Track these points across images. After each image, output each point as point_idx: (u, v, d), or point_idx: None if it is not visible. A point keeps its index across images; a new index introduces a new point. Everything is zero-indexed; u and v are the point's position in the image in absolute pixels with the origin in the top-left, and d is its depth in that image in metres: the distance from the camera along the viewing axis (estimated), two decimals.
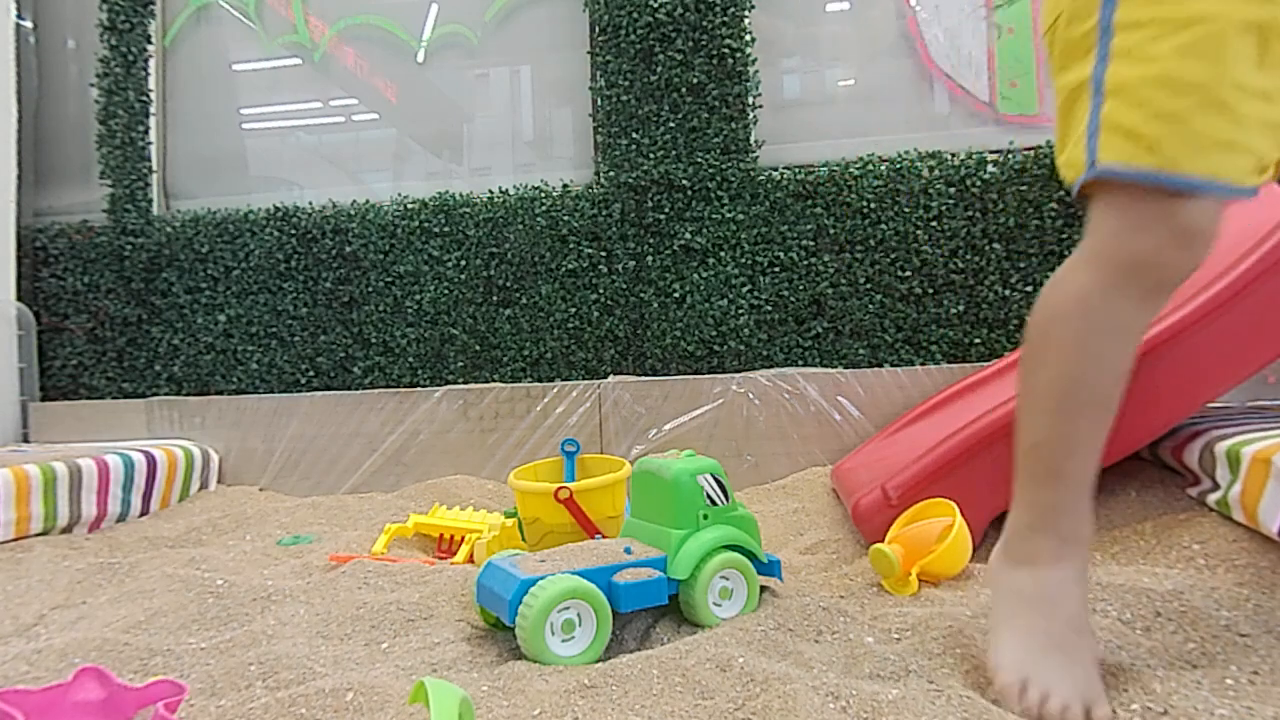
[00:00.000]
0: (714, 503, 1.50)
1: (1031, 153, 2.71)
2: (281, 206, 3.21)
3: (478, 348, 3.07)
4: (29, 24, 3.57)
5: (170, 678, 1.25)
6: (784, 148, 3.02)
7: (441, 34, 3.39)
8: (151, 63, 3.44)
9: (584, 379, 2.97)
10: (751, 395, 2.74)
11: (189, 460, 2.79)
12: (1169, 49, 0.94)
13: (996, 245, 2.73)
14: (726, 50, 2.89)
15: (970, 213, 2.75)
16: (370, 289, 3.14)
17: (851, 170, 2.81)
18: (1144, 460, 1.97)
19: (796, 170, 2.88)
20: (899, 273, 2.78)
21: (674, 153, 2.91)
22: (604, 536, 1.73)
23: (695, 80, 2.90)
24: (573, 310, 2.99)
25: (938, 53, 2.97)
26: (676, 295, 2.91)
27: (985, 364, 2.58)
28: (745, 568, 1.47)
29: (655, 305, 2.93)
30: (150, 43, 3.44)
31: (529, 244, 3.02)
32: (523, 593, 1.32)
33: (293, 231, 3.19)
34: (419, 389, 2.97)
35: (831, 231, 2.83)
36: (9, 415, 3.19)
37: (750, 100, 2.92)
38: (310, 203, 3.23)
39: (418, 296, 3.10)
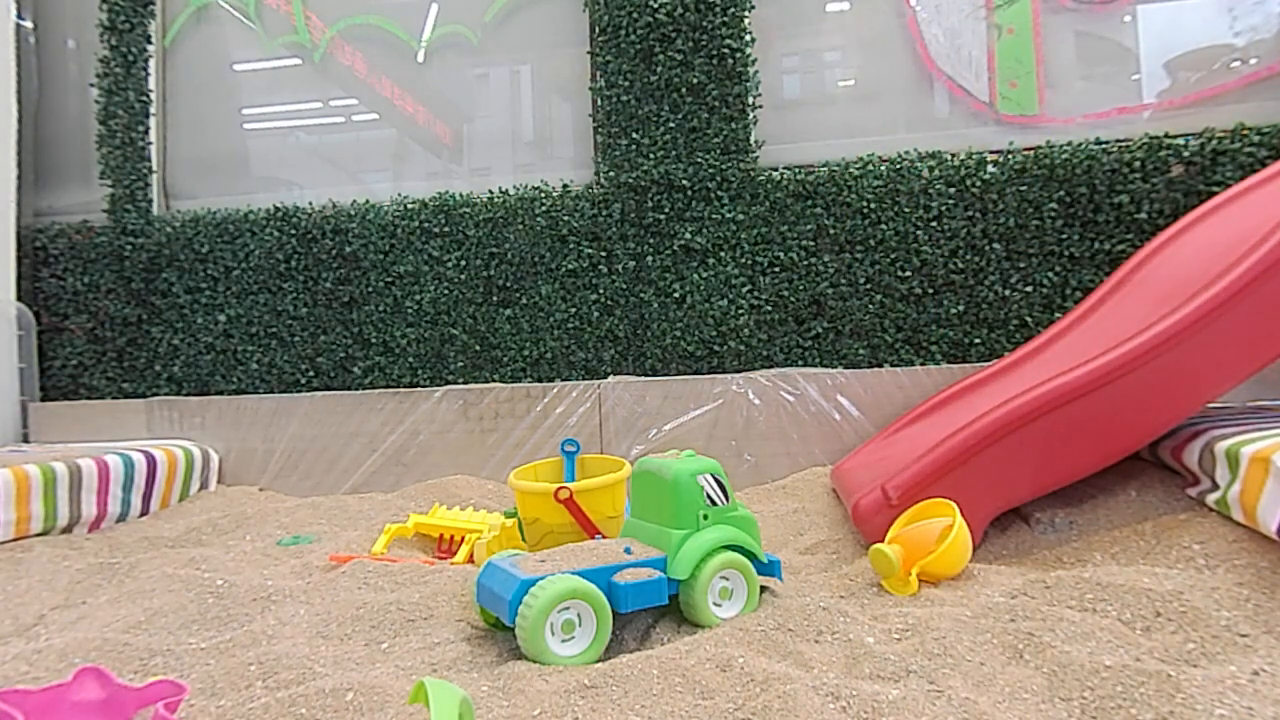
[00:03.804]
0: (714, 503, 1.50)
1: (1031, 153, 2.71)
2: (281, 206, 3.21)
3: (478, 348, 3.07)
4: (29, 24, 3.57)
5: (170, 678, 1.26)
6: (784, 148, 3.02)
7: (441, 34, 3.38)
8: (151, 63, 3.44)
9: (584, 379, 2.97)
10: (751, 395, 2.74)
11: (189, 460, 2.79)
12: None
13: (996, 245, 2.73)
14: (726, 50, 2.89)
15: (970, 213, 2.75)
16: (370, 289, 3.14)
17: (851, 170, 2.81)
18: (1144, 460, 1.97)
19: (796, 170, 2.88)
20: (899, 273, 2.78)
21: (674, 153, 2.91)
22: (604, 536, 1.73)
23: (695, 80, 2.90)
24: (573, 310, 2.99)
25: (938, 53, 2.97)
26: (676, 295, 2.91)
27: (985, 364, 2.58)
28: (745, 568, 1.47)
29: (655, 305, 2.93)
30: (150, 43, 3.44)
31: (529, 244, 3.02)
32: (523, 593, 1.32)
33: (293, 231, 3.19)
34: (419, 389, 2.97)
35: (831, 231, 2.83)
36: (9, 415, 3.19)
37: (750, 100, 2.92)
38: (310, 203, 3.23)
39: (418, 296, 3.10)
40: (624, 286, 2.95)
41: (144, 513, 2.57)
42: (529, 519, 1.81)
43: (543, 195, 3.03)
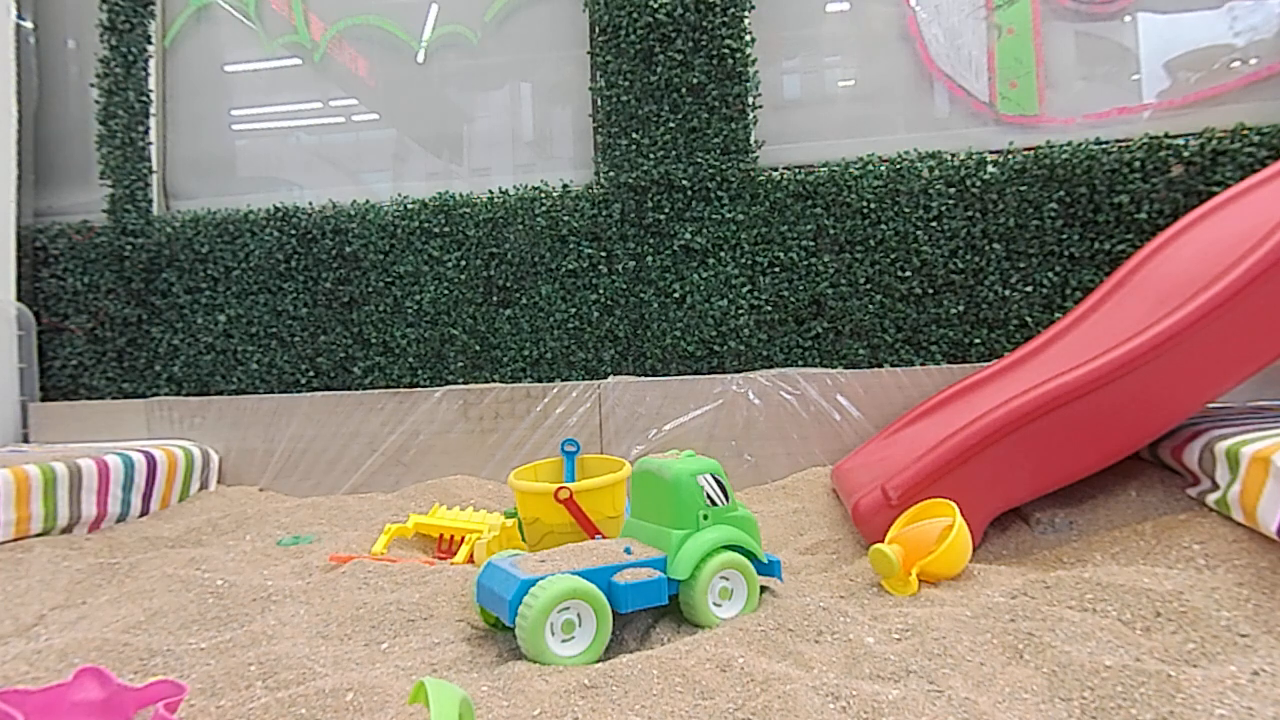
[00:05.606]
0: (714, 503, 1.50)
1: (1031, 153, 2.71)
2: (281, 207, 3.21)
3: (478, 348, 3.07)
4: (29, 24, 3.57)
5: (170, 678, 1.26)
6: (784, 148, 3.02)
7: (441, 34, 3.38)
8: (151, 63, 3.44)
9: (584, 379, 2.97)
10: (751, 395, 2.74)
11: (189, 460, 2.79)
12: None
13: (996, 245, 2.73)
14: (726, 50, 2.89)
15: (970, 213, 2.75)
16: (370, 289, 3.14)
17: (851, 170, 2.81)
18: (1144, 460, 1.97)
19: (796, 170, 2.88)
20: (899, 273, 2.78)
21: (674, 153, 2.91)
22: (604, 536, 1.73)
23: (695, 80, 2.90)
24: (573, 310, 2.99)
25: (938, 53, 2.97)
26: (676, 295, 2.91)
27: (985, 364, 2.58)
28: (745, 568, 1.47)
29: (655, 305, 2.93)
30: (150, 43, 3.44)
31: (529, 244, 3.02)
32: (523, 593, 1.32)
33: (293, 232, 3.19)
34: (419, 389, 2.97)
35: (831, 231, 2.83)
36: (9, 415, 3.19)
37: (750, 100, 2.92)
38: (310, 203, 3.23)
39: (418, 296, 3.10)
40: (624, 286, 2.95)
41: (144, 513, 2.57)
42: (529, 519, 1.81)
43: (543, 195, 3.03)
